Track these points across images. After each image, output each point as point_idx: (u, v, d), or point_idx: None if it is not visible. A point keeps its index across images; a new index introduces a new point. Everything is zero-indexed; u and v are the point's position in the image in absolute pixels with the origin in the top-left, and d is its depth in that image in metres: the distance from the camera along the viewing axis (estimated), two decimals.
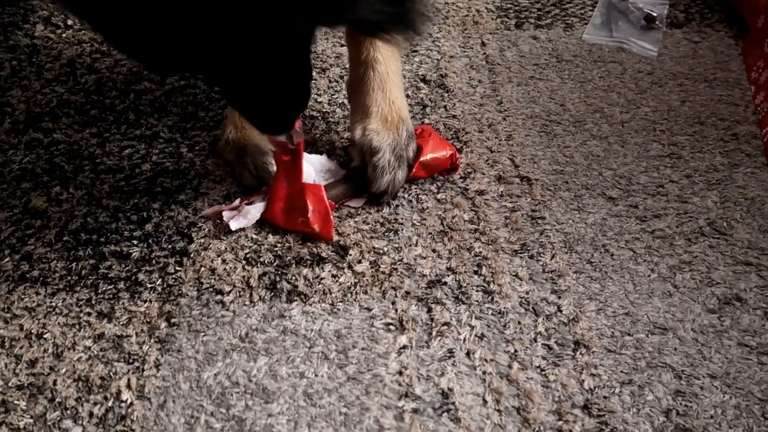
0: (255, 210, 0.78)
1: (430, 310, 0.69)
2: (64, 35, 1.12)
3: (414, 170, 0.81)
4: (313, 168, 0.81)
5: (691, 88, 1.01)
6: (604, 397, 0.62)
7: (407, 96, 0.98)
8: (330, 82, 1.02)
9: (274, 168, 0.80)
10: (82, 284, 0.72)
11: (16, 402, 0.61)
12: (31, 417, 0.60)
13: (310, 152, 0.86)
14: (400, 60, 0.87)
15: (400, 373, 0.64)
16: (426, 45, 1.10)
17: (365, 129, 0.79)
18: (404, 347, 0.66)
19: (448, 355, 0.65)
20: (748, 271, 0.73)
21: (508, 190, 0.84)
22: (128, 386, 0.62)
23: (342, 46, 1.08)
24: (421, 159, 0.82)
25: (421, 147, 0.83)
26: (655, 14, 1.15)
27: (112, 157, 0.88)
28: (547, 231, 0.78)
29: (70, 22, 1.15)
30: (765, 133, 0.91)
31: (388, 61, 0.83)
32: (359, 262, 0.74)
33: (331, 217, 0.75)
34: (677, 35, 1.13)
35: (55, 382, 0.63)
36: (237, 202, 0.79)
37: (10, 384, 0.63)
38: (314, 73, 1.03)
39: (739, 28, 1.13)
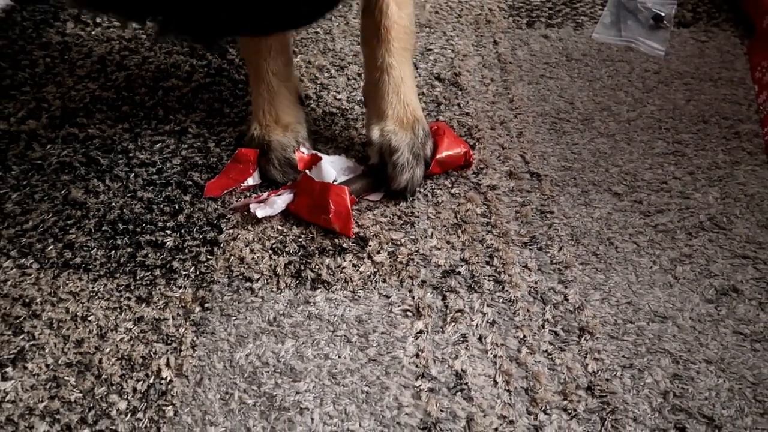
0: (281, 200, 0.83)
1: (444, 298, 0.74)
2: (93, 33, 1.17)
3: (430, 167, 0.86)
4: (333, 167, 0.85)
5: (697, 87, 1.05)
6: (607, 380, 0.67)
7: (422, 94, 1.03)
8: (348, 79, 1.06)
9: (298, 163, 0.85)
10: (121, 271, 0.77)
11: (66, 378, 0.67)
12: (81, 392, 0.66)
13: (330, 151, 0.92)
14: (412, 64, 0.91)
15: (417, 355, 0.69)
16: (440, 44, 1.14)
17: (383, 130, 0.84)
18: (421, 332, 0.71)
19: (461, 339, 0.70)
20: (745, 264, 0.78)
21: (519, 186, 0.88)
22: (167, 365, 0.68)
23: (359, 44, 1.12)
24: (437, 156, 0.86)
25: (437, 144, 0.87)
26: (663, 14, 1.18)
27: (144, 151, 0.93)
28: (556, 224, 0.83)
29: (98, 20, 1.20)
30: (767, 131, 0.95)
31: (401, 66, 0.88)
32: (378, 252, 0.79)
33: (352, 218, 0.80)
34: (684, 34, 1.17)
35: (100, 361, 0.68)
36: (265, 194, 0.84)
37: (59, 362, 0.68)
38: (333, 71, 1.08)
39: (745, 28, 1.17)
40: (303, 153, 0.87)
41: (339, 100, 1.02)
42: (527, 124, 0.98)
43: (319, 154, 0.86)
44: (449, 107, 1.01)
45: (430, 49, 1.13)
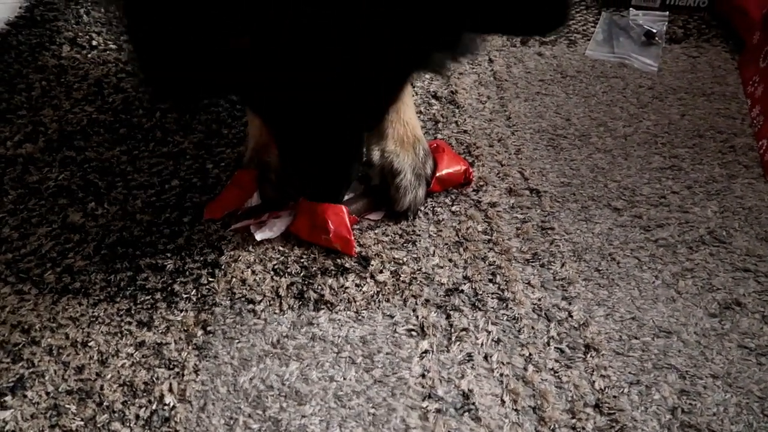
0: (281, 223, 0.82)
1: (448, 317, 0.74)
2: (89, 56, 1.17)
3: (431, 185, 0.86)
4: None
5: (690, 102, 1.06)
6: (614, 397, 0.66)
7: (420, 112, 1.03)
8: None
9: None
10: (121, 295, 0.76)
11: (67, 406, 0.66)
12: (82, 420, 0.65)
13: None
14: (409, 83, 0.92)
15: (423, 375, 0.68)
16: None
17: (384, 151, 0.84)
18: (426, 352, 0.71)
19: (467, 358, 0.70)
20: (746, 278, 0.78)
21: (519, 202, 0.88)
22: (170, 390, 0.67)
23: None
24: (437, 174, 0.86)
25: (437, 162, 0.87)
26: (654, 30, 1.20)
27: (143, 173, 0.93)
28: (557, 241, 0.83)
29: (94, 43, 1.20)
30: (761, 145, 0.96)
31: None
32: (381, 272, 0.79)
33: (352, 236, 0.79)
34: (676, 50, 1.18)
35: (102, 387, 0.67)
36: (265, 216, 0.84)
37: (60, 389, 0.67)
38: None
39: (735, 43, 1.19)
40: None
41: None
42: (525, 140, 0.99)
43: None
44: (447, 125, 1.01)
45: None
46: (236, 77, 0.62)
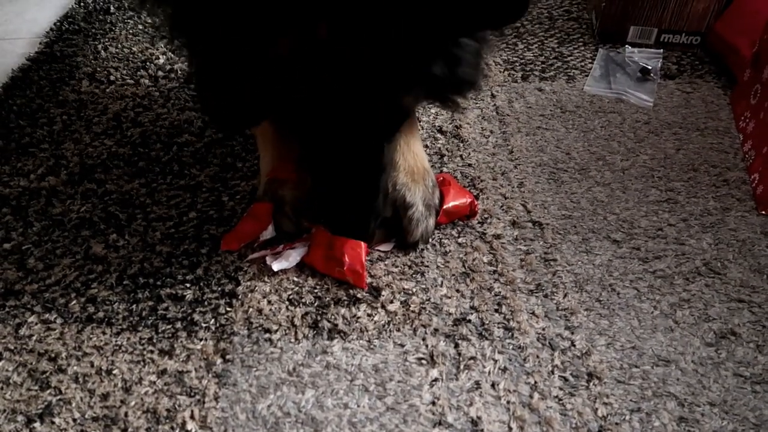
0: (296, 254, 0.86)
1: (457, 346, 0.77)
2: (107, 90, 1.22)
3: (438, 217, 0.90)
4: None
5: (685, 137, 1.11)
6: (616, 424, 0.70)
7: (426, 146, 1.08)
8: None
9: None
10: (143, 324, 0.80)
11: None
12: None
13: None
14: (416, 117, 0.97)
15: (433, 403, 0.72)
16: None
17: (395, 183, 0.88)
18: (436, 380, 0.74)
19: (475, 386, 0.73)
20: (741, 308, 0.82)
21: (522, 234, 0.92)
22: (192, 417, 0.70)
23: None
24: (444, 207, 0.90)
25: (444, 195, 0.92)
26: (649, 67, 1.25)
27: (161, 205, 0.97)
28: (559, 272, 0.87)
29: (112, 78, 1.25)
30: (753, 179, 1.01)
31: (410, 120, 0.93)
32: (391, 302, 0.82)
33: (365, 271, 0.83)
34: (671, 86, 1.24)
35: (126, 414, 0.70)
36: (281, 247, 0.87)
37: (86, 416, 0.70)
38: None
39: (727, 79, 1.24)
40: None
41: None
42: (527, 174, 1.03)
43: None
44: (452, 158, 1.06)
45: (431, 103, 1.19)
46: (275, 90, 0.69)
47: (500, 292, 0.84)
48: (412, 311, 0.81)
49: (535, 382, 0.73)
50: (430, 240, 0.90)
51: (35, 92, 1.21)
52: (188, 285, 0.85)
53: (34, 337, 0.78)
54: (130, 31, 1.41)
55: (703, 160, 1.05)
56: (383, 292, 0.83)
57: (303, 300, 0.83)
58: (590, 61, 1.31)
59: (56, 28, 1.41)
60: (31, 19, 1.49)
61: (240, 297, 0.83)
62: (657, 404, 0.71)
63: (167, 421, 0.70)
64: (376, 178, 0.80)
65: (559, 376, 0.74)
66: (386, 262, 0.88)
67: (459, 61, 0.70)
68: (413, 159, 0.92)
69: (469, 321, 0.80)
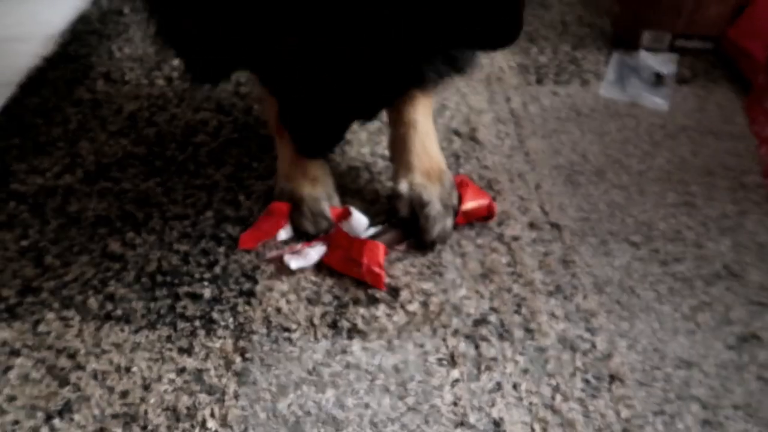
0: (315, 253, 0.86)
1: (477, 347, 0.77)
2: (122, 90, 1.22)
3: (457, 217, 0.90)
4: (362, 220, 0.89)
5: (701, 141, 1.10)
6: (640, 426, 0.69)
7: (442, 148, 1.07)
8: (369, 134, 1.11)
9: (330, 215, 0.89)
10: (161, 322, 0.79)
11: (113, 430, 0.68)
12: None
13: (356, 203, 0.95)
14: (432, 117, 0.97)
15: (455, 403, 0.71)
16: (455, 100, 1.20)
17: (412, 183, 0.88)
18: (456, 380, 0.73)
19: (496, 387, 0.73)
20: (762, 311, 0.81)
21: (540, 236, 0.92)
22: (212, 415, 0.70)
23: None
24: (462, 208, 0.90)
25: (461, 196, 0.91)
26: (664, 71, 1.25)
27: (177, 204, 0.96)
28: (578, 273, 0.86)
29: (127, 78, 1.25)
30: None
31: (426, 120, 0.93)
32: (410, 302, 0.82)
33: (384, 272, 0.82)
34: (685, 90, 1.23)
35: (146, 412, 0.70)
36: (299, 246, 0.87)
37: (106, 413, 0.70)
38: (354, 126, 1.13)
39: (741, 84, 1.24)
40: (335, 205, 0.90)
41: (362, 153, 1.07)
42: (544, 176, 1.03)
43: (350, 208, 0.89)
44: (468, 160, 1.06)
45: (446, 105, 1.19)
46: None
47: (519, 293, 0.83)
48: (432, 312, 0.81)
49: (557, 384, 0.73)
50: (448, 241, 0.90)
51: (51, 92, 1.21)
52: (206, 283, 0.84)
53: (53, 334, 0.78)
54: (145, 33, 1.41)
55: (719, 164, 1.05)
56: (402, 293, 0.83)
57: (321, 299, 0.82)
58: (604, 65, 1.31)
59: (71, 29, 1.42)
60: (45, 20, 1.50)
61: (258, 296, 0.83)
62: (680, 407, 0.71)
63: (187, 419, 0.69)
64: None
65: (581, 377, 0.74)
66: (404, 263, 0.87)
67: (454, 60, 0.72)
68: (429, 160, 0.92)
69: (489, 322, 0.80)
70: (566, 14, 1.49)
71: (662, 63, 1.29)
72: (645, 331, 0.79)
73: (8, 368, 0.74)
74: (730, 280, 0.85)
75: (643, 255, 0.89)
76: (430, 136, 0.95)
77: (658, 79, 1.25)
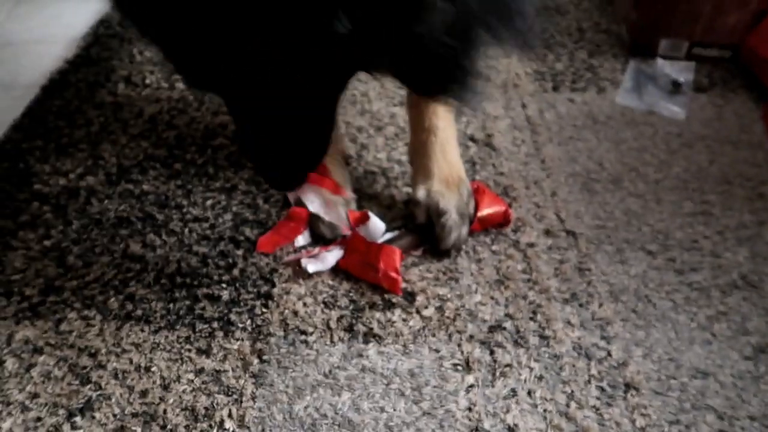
0: (332, 256, 0.87)
1: (492, 353, 0.77)
2: (143, 93, 1.24)
3: (472, 225, 0.90)
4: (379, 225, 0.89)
5: (718, 150, 1.10)
6: None
7: None
8: (386, 139, 1.12)
9: (348, 220, 0.90)
10: (180, 323, 0.81)
11: (133, 428, 0.69)
12: None
13: (373, 208, 0.96)
14: (455, 126, 0.97)
15: (470, 409, 0.71)
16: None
17: (430, 191, 0.89)
18: (471, 386, 0.74)
19: (511, 393, 0.73)
20: None
21: (556, 243, 0.92)
22: (230, 416, 0.71)
23: (395, 106, 1.19)
24: (479, 215, 0.91)
25: (478, 202, 0.92)
26: (681, 80, 1.25)
27: (197, 207, 0.98)
28: (594, 281, 0.87)
29: (148, 81, 1.27)
30: None
31: (446, 127, 0.94)
32: (426, 307, 0.82)
33: (400, 277, 0.83)
34: (702, 99, 1.23)
35: (165, 411, 0.71)
36: (316, 249, 0.88)
37: (126, 412, 0.71)
38: (371, 131, 1.14)
39: (759, 93, 1.23)
40: (353, 211, 0.91)
41: (379, 159, 1.07)
42: (559, 183, 1.03)
43: (369, 213, 0.90)
44: (484, 167, 1.06)
45: (462, 111, 1.19)
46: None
47: (535, 300, 0.84)
48: (447, 317, 0.81)
49: (572, 391, 0.73)
50: (464, 247, 0.90)
51: (73, 94, 1.23)
52: (224, 285, 0.85)
53: (74, 333, 0.79)
54: None
55: (737, 174, 1.05)
56: (418, 298, 0.83)
57: (338, 303, 0.83)
58: (621, 73, 1.30)
59: (92, 32, 1.44)
60: (68, 23, 1.52)
61: (276, 299, 0.84)
62: (696, 416, 0.71)
63: (205, 419, 0.70)
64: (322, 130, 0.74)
65: (596, 385, 0.74)
66: (420, 268, 0.88)
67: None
68: (448, 168, 0.92)
69: (504, 328, 0.80)
70: (583, 21, 1.50)
71: (679, 71, 1.29)
72: (661, 340, 0.79)
73: (31, 366, 0.76)
74: (747, 290, 0.85)
75: (660, 264, 0.89)
76: (451, 143, 0.95)
77: (675, 87, 1.24)
